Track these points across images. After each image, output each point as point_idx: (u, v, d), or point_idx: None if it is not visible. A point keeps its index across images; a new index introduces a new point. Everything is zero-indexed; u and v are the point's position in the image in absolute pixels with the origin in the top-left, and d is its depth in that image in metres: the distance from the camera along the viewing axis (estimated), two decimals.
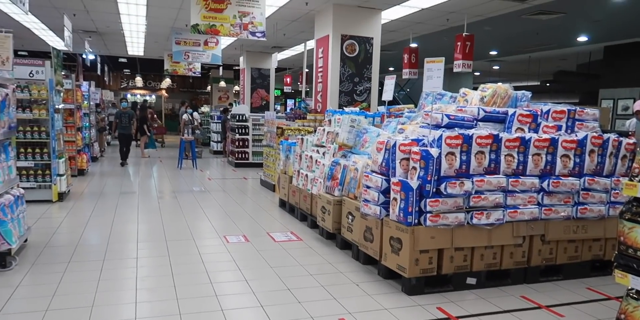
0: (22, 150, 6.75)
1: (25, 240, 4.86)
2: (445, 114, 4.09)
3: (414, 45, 10.19)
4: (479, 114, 4.25)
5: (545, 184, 4.10)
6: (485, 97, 4.60)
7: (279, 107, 26.66)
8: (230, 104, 19.27)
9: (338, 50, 8.68)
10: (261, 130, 12.03)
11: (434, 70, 4.06)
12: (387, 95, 5.77)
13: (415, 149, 3.87)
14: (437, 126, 4.09)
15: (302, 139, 6.74)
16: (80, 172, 9.76)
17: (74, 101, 9.36)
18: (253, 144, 12.38)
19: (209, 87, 24.51)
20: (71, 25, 9.34)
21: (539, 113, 4.44)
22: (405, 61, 9.80)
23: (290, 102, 29.54)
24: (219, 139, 15.46)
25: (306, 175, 6.20)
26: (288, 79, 16.20)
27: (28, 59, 6.89)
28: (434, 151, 3.75)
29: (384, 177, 4.12)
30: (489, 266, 4.06)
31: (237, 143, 12.28)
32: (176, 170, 11.33)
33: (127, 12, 10.17)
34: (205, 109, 21.05)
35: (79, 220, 6.11)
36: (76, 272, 4.15)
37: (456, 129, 3.98)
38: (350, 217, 4.80)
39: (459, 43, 8.08)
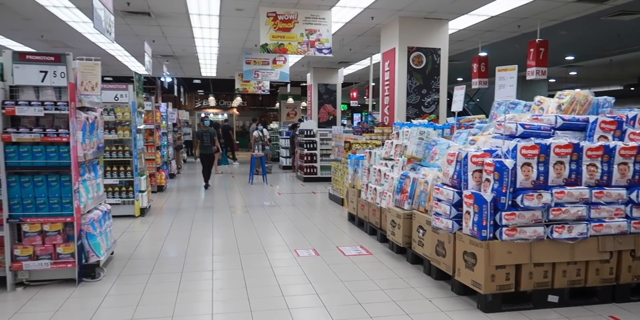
0: (108, 168, 7.27)
1: (112, 253, 5.19)
2: (520, 124, 3.93)
3: (483, 54, 9.93)
4: (556, 122, 4.04)
5: (634, 195, 3.81)
6: (562, 104, 4.37)
7: (345, 122, 26.84)
8: (300, 120, 19.67)
9: (405, 63, 8.64)
10: (329, 145, 12.14)
11: (506, 79, 3.93)
12: (457, 106, 5.64)
13: (489, 160, 3.74)
14: (511, 136, 3.94)
15: (370, 153, 6.73)
16: (159, 189, 10.31)
17: (153, 121, 9.97)
18: (321, 158, 12.51)
19: (277, 104, 25.17)
20: (151, 51, 10.01)
21: (624, 119, 4.15)
22: (475, 70, 9.55)
23: (356, 116, 29.63)
24: (288, 154, 15.77)
25: (375, 188, 6.16)
26: (354, 93, 16.30)
27: (113, 83, 7.45)
28: (508, 162, 3.60)
29: (456, 190, 4.01)
30: (572, 283, 3.80)
31: (305, 158, 12.47)
32: (247, 185, 11.68)
33: (201, 36, 10.75)
34: (274, 125, 21.61)
35: (159, 234, 6.44)
36: (157, 284, 4.36)
37: (532, 138, 3.81)
38: (421, 231, 4.70)
39: (532, 49, 7.77)
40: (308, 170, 12.47)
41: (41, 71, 4.14)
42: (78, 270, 4.28)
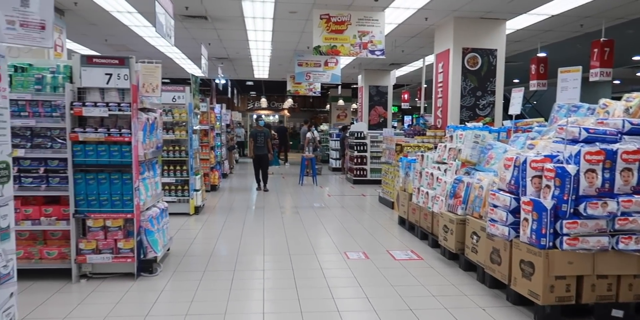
0: (165, 167, 7.54)
1: (168, 250, 5.37)
2: (584, 128, 3.74)
3: (542, 54, 9.57)
4: (624, 126, 3.81)
5: None
6: (631, 107, 4.13)
7: (395, 124, 26.59)
8: (352, 123, 19.66)
9: (459, 64, 8.45)
10: (379, 147, 12.05)
11: (569, 81, 3.76)
12: (515, 109, 5.46)
13: (549, 165, 3.59)
14: (574, 141, 3.76)
15: (422, 156, 6.63)
16: (212, 188, 10.59)
17: (208, 122, 10.26)
18: (371, 161, 12.44)
19: (327, 106, 25.28)
20: (207, 54, 10.31)
21: None
22: (533, 72, 9.22)
23: (407, 119, 29.29)
24: (338, 156, 15.79)
25: (427, 192, 6.06)
26: (406, 95, 16.10)
27: (171, 85, 7.73)
28: (570, 168, 3.44)
29: (513, 196, 3.87)
30: (639, 297, 3.58)
31: (355, 160, 12.44)
32: (297, 186, 11.78)
33: (255, 38, 10.96)
34: (324, 127, 21.70)
35: (212, 232, 6.61)
36: (210, 281, 4.48)
37: (597, 143, 3.62)
38: (474, 237, 4.58)
39: (595, 50, 7.41)
40: (358, 173, 12.43)
41: (106, 74, 4.35)
42: (137, 265, 4.46)
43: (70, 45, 11.95)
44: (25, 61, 4.64)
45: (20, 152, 4.26)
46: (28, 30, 3.29)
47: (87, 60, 4.36)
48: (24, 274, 4.20)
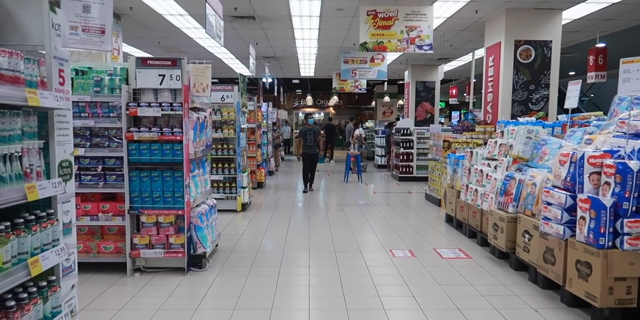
0: (213, 165, 7.73)
1: (217, 245, 5.51)
2: None
3: (601, 45, 9.11)
4: None
5: None
6: None
7: (443, 120, 26.04)
8: (397, 119, 19.45)
9: (511, 57, 8.18)
10: (426, 144, 11.86)
11: (632, 72, 3.55)
12: (571, 103, 5.23)
13: (609, 161, 3.41)
14: (637, 135, 3.56)
15: (471, 152, 6.47)
16: (259, 185, 10.77)
17: (255, 121, 10.42)
18: (417, 157, 12.27)
19: (373, 103, 25.10)
20: (255, 53, 10.48)
21: None
22: (591, 63, 8.80)
23: (455, 114, 28.65)
24: (383, 153, 15.67)
25: (476, 190, 5.91)
26: (453, 91, 15.77)
27: (220, 85, 7.90)
28: (633, 164, 3.26)
29: (569, 193, 3.71)
30: None
31: (401, 157, 12.30)
32: (342, 183, 11.78)
33: (302, 37, 11.04)
34: (369, 123, 21.58)
35: (258, 228, 6.72)
36: (257, 276, 4.55)
37: None
38: (526, 236, 4.42)
39: None
40: (404, 170, 12.29)
41: (159, 75, 4.49)
42: (187, 260, 4.60)
43: (125, 48, 12.46)
44: (85, 64, 4.88)
45: (80, 151, 4.48)
46: (89, 34, 3.45)
47: (142, 63, 4.52)
48: (83, 267, 4.41)
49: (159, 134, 4.46)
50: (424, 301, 3.90)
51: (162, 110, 4.43)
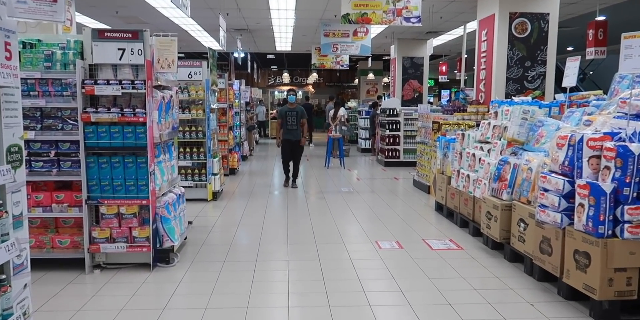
0: (181, 149, 7.64)
1: (185, 238, 5.47)
2: None
3: (601, 18, 9.20)
4: None
5: None
6: None
7: (432, 99, 26.20)
8: (379, 97, 19.46)
9: (505, 31, 8.20)
10: (414, 126, 11.93)
11: (634, 48, 3.59)
12: (569, 81, 5.29)
13: (609, 144, 3.48)
14: (639, 116, 3.62)
15: (462, 135, 6.53)
16: (231, 171, 10.71)
17: (226, 100, 10.31)
18: (404, 140, 12.35)
19: (356, 80, 25.06)
20: (225, 25, 10.29)
21: None
22: (590, 38, 8.90)
23: (444, 93, 28.85)
24: (367, 136, 15.71)
25: (467, 175, 5.98)
26: (443, 67, 15.83)
27: (187, 60, 7.76)
28: (634, 147, 3.32)
29: (567, 179, 3.78)
30: None
31: (387, 140, 12.36)
32: (323, 169, 11.80)
33: (277, 7, 10.88)
34: (352, 103, 21.57)
35: (232, 219, 6.70)
36: (231, 272, 4.55)
37: None
38: (522, 224, 4.51)
39: None
40: (390, 154, 12.36)
41: (119, 49, 4.38)
42: (153, 255, 4.56)
43: (79, 18, 12.10)
44: (34, 37, 4.72)
45: (30, 135, 4.36)
46: (39, 3, 3.33)
47: (98, 35, 4.40)
48: (36, 264, 4.33)
49: (120, 115, 4.37)
50: (412, 296, 3.96)
51: (122, 88, 4.34)
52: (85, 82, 4.34)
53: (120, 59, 4.39)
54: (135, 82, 4.37)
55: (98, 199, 4.46)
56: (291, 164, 9.30)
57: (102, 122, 4.40)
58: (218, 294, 4.01)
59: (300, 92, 27.28)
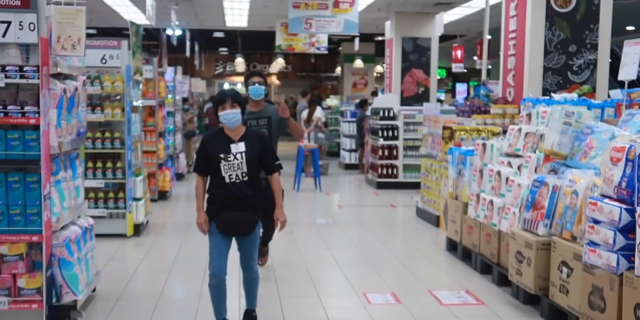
0: (90, 164, 7.56)
1: (94, 290, 5.41)
2: None
3: None
4: None
5: None
6: None
7: (443, 96, 26.59)
8: (373, 93, 19.62)
9: (542, 4, 8.41)
10: (417, 133, 12.05)
11: None
12: (628, 73, 5.44)
13: None
14: None
15: (483, 145, 6.62)
16: (161, 195, 10.63)
17: (155, 95, 10.27)
18: (405, 153, 12.45)
19: (338, 69, 25.29)
20: None
21: None
22: None
23: (460, 88, 29.28)
24: (353, 147, 15.80)
25: (491, 201, 6.06)
26: (459, 52, 16.11)
27: (99, 39, 7.75)
28: None
29: (625, 206, 3.87)
30: None
31: (380, 152, 12.44)
32: (292, 192, 11.81)
33: None
34: (332, 101, 21.73)
35: (161, 263, 6.65)
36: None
37: None
38: (564, 269, 4.58)
39: None
40: (384, 172, 12.44)
41: (2, 22, 4.35)
42: (47, 314, 4.49)
43: None
44: None
45: None
46: None
47: None
48: None
49: (2, 114, 4.33)
50: None
51: (5, 77, 4.31)
52: None
53: (3, 37, 4.36)
54: (25, 68, 4.33)
55: None
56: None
57: None
58: None
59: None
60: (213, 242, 4.60)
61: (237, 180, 4.39)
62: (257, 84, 6.01)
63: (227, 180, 4.37)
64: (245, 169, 4.39)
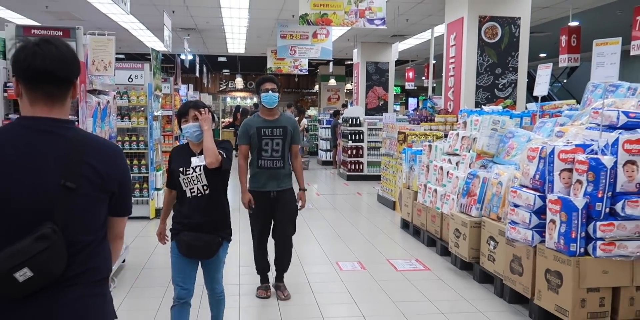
0: None
1: (123, 261, 5.35)
2: (623, 111, 3.78)
3: (574, 23, 9.62)
4: None
5: None
6: None
7: (398, 108, 26.63)
8: (344, 105, 19.64)
9: (475, 36, 8.46)
10: (378, 136, 12.08)
11: (606, 55, 3.78)
12: (541, 89, 5.50)
13: (581, 157, 3.63)
14: (611, 127, 3.79)
15: (429, 146, 6.66)
16: None
17: (172, 107, 10.19)
18: (369, 152, 12.48)
19: (316, 86, 25.22)
20: (170, 23, 10.23)
21: None
22: (563, 45, 9.27)
23: (412, 101, 29.39)
24: (328, 147, 15.81)
25: (435, 190, 6.09)
26: (410, 74, 16.13)
27: (127, 62, 7.67)
28: (607, 160, 3.48)
29: (538, 193, 3.91)
30: None
31: (349, 152, 12.46)
32: None
33: (229, 4, 10.88)
34: (312, 112, 21.67)
35: None
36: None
37: (638, 130, 3.66)
38: (492, 243, 4.62)
39: (638, 17, 7.44)
40: (352, 167, 12.46)
41: None
42: None
43: (3, 13, 11.79)
44: None
45: None
46: None
47: (23, 32, 4.33)
48: None
49: None
50: None
51: None
52: (8, 85, 4.22)
53: None
54: None
55: None
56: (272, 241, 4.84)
57: None
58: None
59: (255, 99, 27.15)
60: (176, 265, 3.41)
61: (199, 194, 3.35)
62: (270, 91, 4.63)
63: (188, 194, 3.36)
64: (205, 182, 3.34)
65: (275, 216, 4.61)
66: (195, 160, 3.35)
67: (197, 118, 3.34)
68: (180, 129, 3.46)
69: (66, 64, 1.71)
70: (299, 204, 4.76)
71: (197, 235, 3.31)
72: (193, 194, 3.34)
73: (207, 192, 3.35)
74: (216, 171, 3.33)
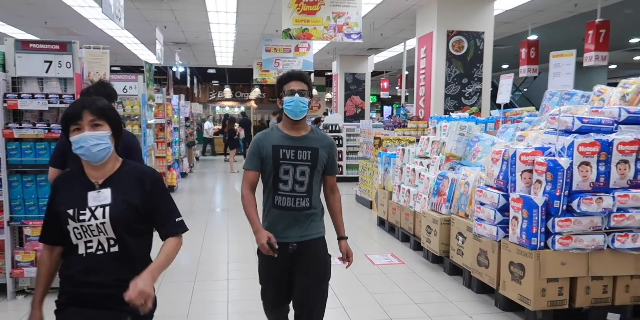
0: None
1: None
2: (577, 117, 3.83)
3: (533, 37, 9.73)
4: (620, 115, 3.91)
5: None
6: (627, 94, 4.24)
7: (374, 115, 26.71)
8: (325, 113, 19.64)
9: (443, 49, 8.52)
10: (356, 141, 12.09)
11: (562, 66, 3.82)
12: (503, 98, 5.55)
13: (540, 159, 3.66)
14: (567, 131, 3.84)
15: (402, 150, 6.68)
16: (170, 189, 10.44)
17: (164, 115, 10.11)
18: (347, 156, 12.48)
19: None
20: (162, 38, 10.14)
21: None
22: (523, 57, 9.37)
23: (387, 109, 29.50)
24: None
25: (408, 190, 6.11)
26: (385, 84, 16.18)
27: (122, 74, 7.58)
28: (563, 161, 3.52)
29: (502, 193, 3.94)
30: (636, 300, 3.69)
31: None
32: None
33: (217, 20, 10.83)
34: None
35: None
36: (168, 294, 4.41)
37: (591, 134, 3.71)
38: (460, 238, 4.64)
39: (590, 32, 7.55)
40: None
41: (45, 61, 4.22)
42: None
43: (5, 28, 11.60)
44: None
45: None
46: None
47: (22, 46, 4.24)
48: None
49: (46, 131, 4.19)
50: (354, 313, 3.97)
51: (49, 102, 4.17)
52: (8, 96, 4.14)
53: (46, 72, 4.23)
54: (64, 96, 4.22)
55: (22, 220, 4.23)
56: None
57: (27, 139, 4.21)
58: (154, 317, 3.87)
59: (242, 108, 27.01)
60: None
61: (100, 252, 1.97)
62: (297, 95, 2.78)
63: (81, 250, 1.97)
64: (111, 234, 1.96)
65: (296, 281, 2.88)
66: (93, 197, 1.96)
67: (97, 125, 1.94)
68: (69, 142, 1.96)
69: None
70: (336, 260, 3.07)
71: (95, 312, 1.98)
72: (89, 251, 1.97)
73: (113, 249, 1.98)
74: (133, 221, 2.01)
